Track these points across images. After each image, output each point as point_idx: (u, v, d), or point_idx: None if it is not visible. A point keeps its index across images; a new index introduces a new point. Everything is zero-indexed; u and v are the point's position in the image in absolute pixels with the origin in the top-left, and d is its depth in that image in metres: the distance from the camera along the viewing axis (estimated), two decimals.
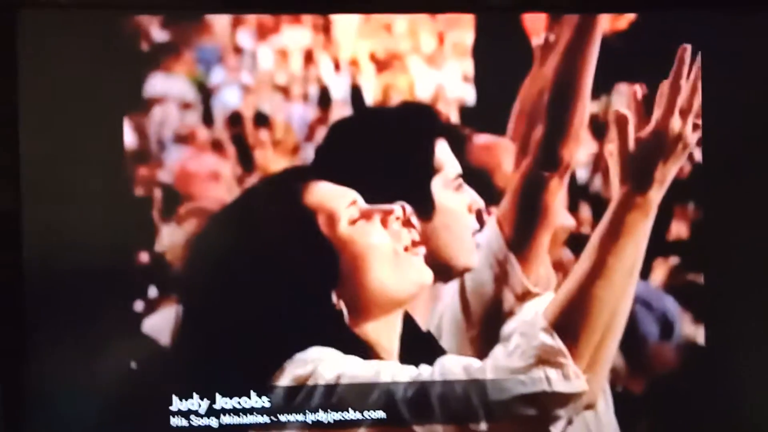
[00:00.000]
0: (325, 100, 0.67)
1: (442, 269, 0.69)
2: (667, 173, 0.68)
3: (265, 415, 0.68)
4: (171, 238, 0.67)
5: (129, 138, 0.66)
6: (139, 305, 0.67)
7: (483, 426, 0.68)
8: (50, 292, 0.66)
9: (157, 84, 0.66)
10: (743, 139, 0.71)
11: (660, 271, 0.70)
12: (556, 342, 0.67)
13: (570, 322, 0.67)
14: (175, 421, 0.67)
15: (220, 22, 0.66)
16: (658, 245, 0.69)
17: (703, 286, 0.71)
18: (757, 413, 0.72)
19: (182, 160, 0.66)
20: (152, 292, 0.67)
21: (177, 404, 0.67)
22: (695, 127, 0.69)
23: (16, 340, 0.66)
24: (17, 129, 0.65)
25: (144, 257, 0.66)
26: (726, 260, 0.71)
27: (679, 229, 0.70)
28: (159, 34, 0.66)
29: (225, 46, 0.67)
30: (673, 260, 0.71)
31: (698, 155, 0.70)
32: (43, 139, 0.66)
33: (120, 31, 0.66)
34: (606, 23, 0.69)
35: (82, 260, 0.66)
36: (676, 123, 0.68)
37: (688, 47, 0.68)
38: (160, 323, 0.67)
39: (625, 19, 0.69)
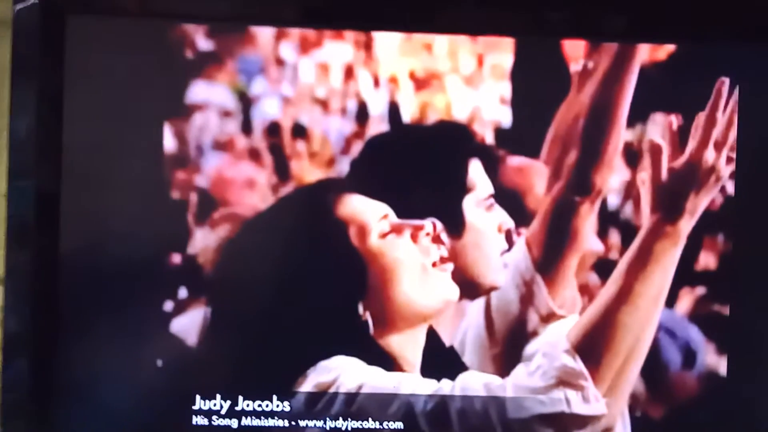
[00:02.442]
0: (362, 115, 0.68)
1: (469, 286, 0.70)
2: (699, 204, 0.69)
3: (285, 420, 0.69)
4: (204, 241, 0.68)
5: (169, 142, 0.67)
6: (168, 305, 0.68)
7: None
8: (83, 289, 0.67)
9: (199, 91, 0.67)
10: None
11: (686, 301, 0.70)
12: (578, 364, 0.68)
13: (593, 346, 0.68)
14: (197, 420, 0.68)
15: (264, 34, 0.68)
16: (686, 275, 0.70)
17: (728, 318, 0.71)
18: None
19: (219, 166, 0.68)
20: (182, 293, 0.68)
21: (199, 403, 0.68)
22: (729, 160, 0.69)
23: (48, 334, 0.67)
24: (61, 129, 0.67)
25: (176, 259, 0.68)
26: (752, 293, 0.71)
27: (707, 260, 0.70)
28: (204, 43, 0.67)
29: (267, 58, 0.68)
30: (700, 290, 0.71)
31: (731, 188, 0.70)
32: (86, 140, 0.67)
33: (166, 39, 0.67)
34: (645, 53, 0.69)
35: (116, 259, 0.68)
36: (710, 155, 0.69)
37: (726, 80, 0.69)
38: (188, 324, 0.68)
39: (664, 50, 0.69)
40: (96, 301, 0.68)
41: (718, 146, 0.69)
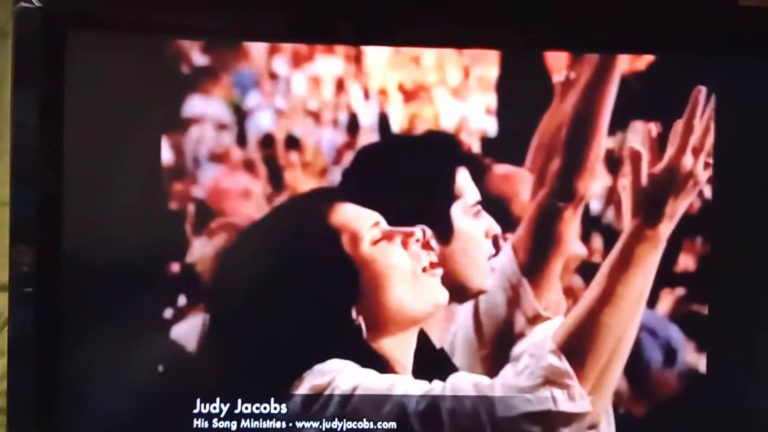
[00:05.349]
0: (353, 126, 0.70)
1: (458, 290, 0.72)
2: (677, 208, 0.71)
3: (282, 421, 0.71)
4: (201, 250, 0.70)
5: (166, 155, 0.69)
6: (168, 312, 0.70)
7: None
8: (86, 297, 0.69)
9: (195, 105, 0.69)
10: (752, 179, 0.73)
11: (666, 301, 0.73)
12: (564, 364, 0.71)
13: (577, 346, 0.71)
14: (197, 423, 0.70)
15: (257, 49, 0.70)
16: (666, 276, 0.72)
17: (706, 317, 0.73)
18: None
19: (216, 177, 0.70)
20: (181, 300, 0.70)
21: (200, 407, 0.70)
22: (706, 165, 0.72)
23: (52, 340, 0.69)
24: (62, 142, 0.69)
25: (175, 267, 0.70)
26: (729, 293, 0.73)
27: (686, 262, 0.73)
28: (199, 58, 0.69)
29: (261, 72, 0.70)
30: (679, 291, 0.73)
31: (708, 192, 0.72)
32: (86, 152, 0.69)
33: (163, 54, 0.69)
34: (625, 64, 0.71)
35: (118, 267, 0.70)
36: (687, 161, 0.71)
37: (703, 89, 0.72)
38: (188, 330, 0.70)
39: (644, 60, 0.72)
40: (98, 308, 0.70)
41: (696, 152, 0.71)
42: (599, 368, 0.71)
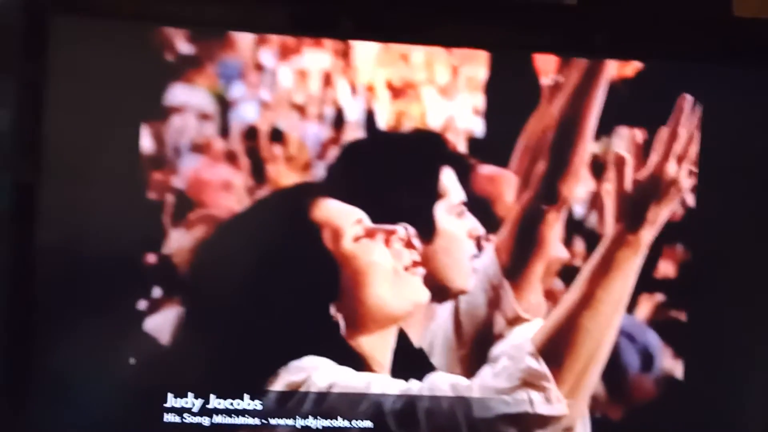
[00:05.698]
0: (339, 121, 0.70)
1: (439, 290, 0.72)
2: (660, 215, 0.71)
3: (256, 418, 0.70)
4: (179, 242, 0.69)
5: (146, 143, 0.68)
6: (142, 304, 0.69)
7: None
8: (59, 286, 0.68)
9: (178, 94, 0.68)
10: (735, 188, 0.74)
11: (645, 307, 0.73)
12: (542, 366, 0.71)
13: (556, 349, 0.71)
14: (168, 418, 0.69)
15: (244, 39, 0.69)
16: (646, 282, 0.72)
17: (685, 324, 0.74)
18: None
19: (196, 168, 0.69)
20: (156, 292, 0.69)
21: (171, 401, 0.69)
22: (690, 173, 0.72)
23: (23, 330, 0.68)
24: (41, 126, 0.67)
25: (152, 258, 0.68)
26: (708, 301, 0.74)
27: (666, 269, 0.73)
28: (184, 46, 0.68)
29: (247, 63, 0.69)
30: (659, 297, 0.74)
31: (691, 200, 0.73)
32: (64, 137, 0.68)
33: (147, 42, 0.68)
34: (613, 69, 0.71)
35: (92, 257, 0.68)
36: (671, 168, 0.71)
37: (689, 97, 0.72)
38: (162, 323, 0.69)
39: (632, 67, 0.72)
40: (71, 298, 0.68)
41: (680, 160, 0.72)
42: (577, 371, 0.71)
